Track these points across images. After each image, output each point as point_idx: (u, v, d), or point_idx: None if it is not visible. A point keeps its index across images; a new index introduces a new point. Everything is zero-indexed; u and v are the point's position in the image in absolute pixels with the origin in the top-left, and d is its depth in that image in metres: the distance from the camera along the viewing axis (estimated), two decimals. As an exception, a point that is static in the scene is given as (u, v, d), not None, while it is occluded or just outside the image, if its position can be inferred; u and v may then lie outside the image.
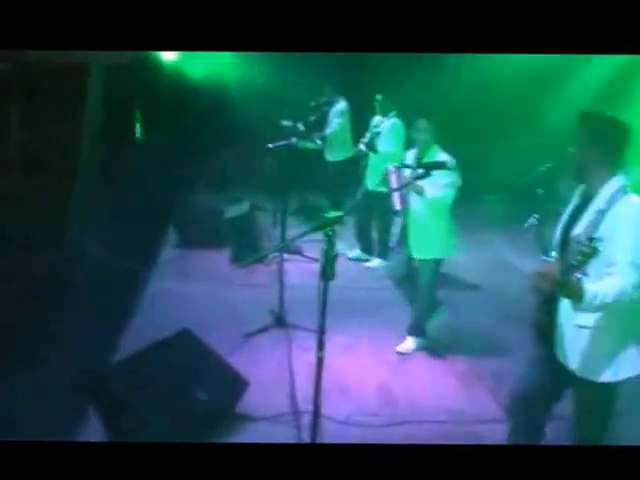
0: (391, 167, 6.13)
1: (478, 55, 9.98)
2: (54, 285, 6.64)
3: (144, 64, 9.91)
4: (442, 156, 5.63)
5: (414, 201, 5.87)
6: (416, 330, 6.14)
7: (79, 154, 7.20)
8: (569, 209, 3.65)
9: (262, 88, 10.73)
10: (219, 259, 8.35)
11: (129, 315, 6.52)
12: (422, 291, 6.06)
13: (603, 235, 3.21)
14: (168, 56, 10.32)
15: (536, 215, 7.47)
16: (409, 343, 6.12)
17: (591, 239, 3.13)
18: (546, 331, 3.63)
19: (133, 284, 7.32)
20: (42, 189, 6.97)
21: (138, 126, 10.41)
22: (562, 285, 3.21)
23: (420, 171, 5.39)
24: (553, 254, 3.65)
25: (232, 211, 8.69)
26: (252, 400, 4.95)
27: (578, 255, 3.14)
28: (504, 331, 6.36)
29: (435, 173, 5.25)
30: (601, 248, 3.10)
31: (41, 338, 5.64)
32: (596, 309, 3.29)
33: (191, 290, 7.29)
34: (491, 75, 10.34)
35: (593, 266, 3.22)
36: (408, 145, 6.33)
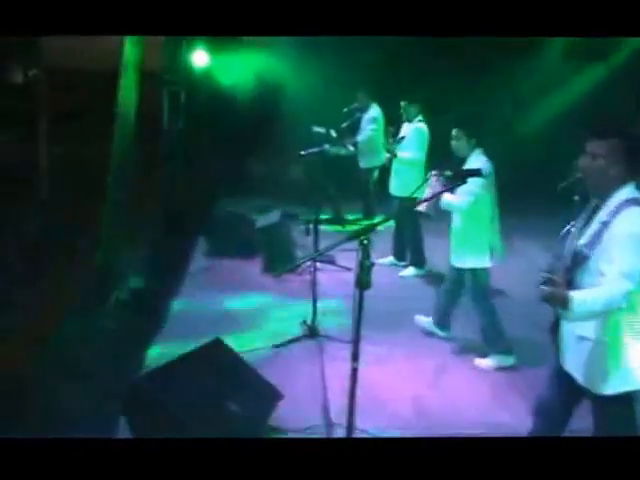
0: (433, 173, 6.05)
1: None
2: (85, 295, 6.62)
3: (175, 71, 9.94)
4: (480, 163, 5.53)
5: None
6: (495, 346, 5.99)
7: (110, 161, 7.17)
8: (582, 217, 3.73)
9: (294, 94, 10.69)
10: (251, 269, 8.28)
11: (160, 325, 6.47)
12: (474, 301, 5.99)
13: (605, 247, 3.32)
14: (200, 62, 10.31)
15: (573, 222, 7.31)
16: (489, 361, 5.97)
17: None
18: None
19: (165, 294, 7.29)
20: (71, 201, 6.96)
21: (169, 134, 10.41)
22: (548, 295, 3.33)
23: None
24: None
25: (264, 220, 8.62)
26: (284, 412, 4.84)
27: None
28: (540, 340, 6.19)
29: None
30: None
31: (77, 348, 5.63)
32: (586, 317, 3.36)
33: (222, 300, 7.24)
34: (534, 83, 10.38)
35: (588, 276, 3.39)
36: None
